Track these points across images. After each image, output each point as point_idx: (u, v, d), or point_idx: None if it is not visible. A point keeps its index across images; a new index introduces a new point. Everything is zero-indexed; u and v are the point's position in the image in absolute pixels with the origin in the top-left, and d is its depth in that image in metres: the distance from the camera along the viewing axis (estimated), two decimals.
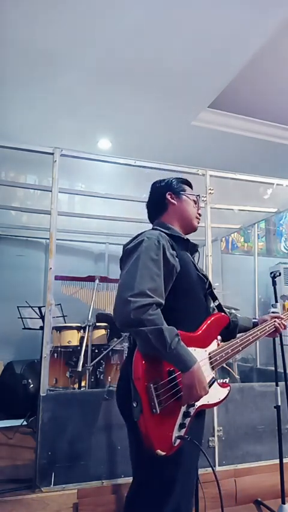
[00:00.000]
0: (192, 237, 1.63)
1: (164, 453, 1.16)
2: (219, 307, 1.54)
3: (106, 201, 3.98)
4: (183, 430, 1.23)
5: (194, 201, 1.60)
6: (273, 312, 1.86)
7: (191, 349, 1.26)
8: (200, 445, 1.43)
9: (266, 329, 1.61)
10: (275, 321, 1.64)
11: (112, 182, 3.69)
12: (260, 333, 1.58)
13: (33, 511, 2.01)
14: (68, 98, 3.65)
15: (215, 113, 4.02)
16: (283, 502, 2.18)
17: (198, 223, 1.62)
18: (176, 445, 1.20)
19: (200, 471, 1.51)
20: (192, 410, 1.26)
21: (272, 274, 2.34)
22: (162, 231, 1.42)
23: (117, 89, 3.53)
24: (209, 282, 1.53)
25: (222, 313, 1.50)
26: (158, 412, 1.16)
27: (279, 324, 1.64)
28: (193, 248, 1.56)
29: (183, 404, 1.22)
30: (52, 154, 2.57)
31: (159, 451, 1.15)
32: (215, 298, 1.55)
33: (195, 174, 2.84)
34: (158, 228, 1.48)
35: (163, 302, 1.25)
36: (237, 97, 3.86)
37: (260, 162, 4.66)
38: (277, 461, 2.26)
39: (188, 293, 1.39)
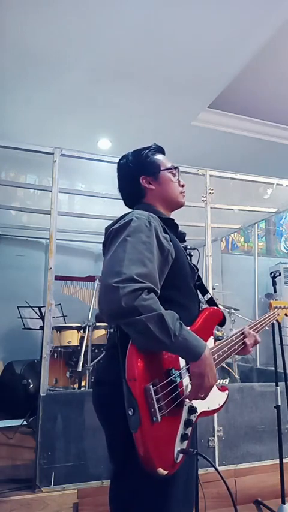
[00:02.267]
0: (192, 237, 1.61)
1: (166, 472, 0.95)
2: (211, 301, 1.40)
3: (106, 201, 3.97)
4: (186, 443, 1.02)
5: (172, 174, 1.37)
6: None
7: None
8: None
9: (265, 321, 1.52)
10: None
11: (112, 182, 3.68)
12: (260, 325, 1.47)
13: (33, 511, 2.01)
14: (68, 98, 3.65)
15: (215, 113, 4.02)
16: (283, 502, 2.18)
17: (184, 196, 1.39)
18: (178, 461, 1.00)
19: (200, 471, 1.50)
20: (193, 418, 1.08)
21: (272, 274, 2.34)
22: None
23: (117, 89, 3.53)
24: (198, 274, 1.37)
25: (216, 307, 1.33)
26: (159, 420, 0.95)
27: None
28: (181, 236, 1.37)
29: (191, 399, 1.04)
30: (52, 154, 2.57)
31: (160, 470, 0.94)
32: (205, 291, 1.40)
33: (195, 174, 2.84)
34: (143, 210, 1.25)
35: (157, 290, 1.05)
36: (237, 97, 3.86)
37: (260, 162, 4.66)
38: (277, 461, 2.26)
39: (181, 283, 1.23)
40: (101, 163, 2.87)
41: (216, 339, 1.35)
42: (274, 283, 2.36)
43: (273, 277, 2.34)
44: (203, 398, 1.05)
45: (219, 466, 2.46)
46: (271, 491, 2.37)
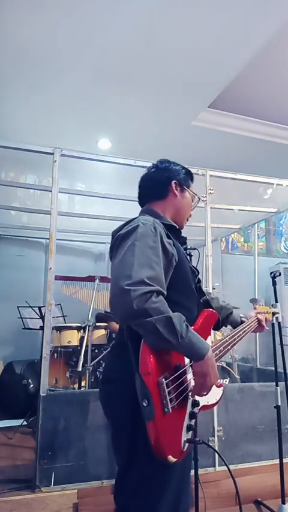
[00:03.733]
0: (192, 237, 1.63)
1: (175, 459, 1.03)
2: (206, 303, 1.48)
3: (106, 201, 3.97)
4: (191, 433, 1.13)
5: (192, 199, 1.52)
6: (272, 313, 1.86)
7: None
8: (192, 450, 1.41)
9: (251, 325, 1.60)
10: (257, 317, 1.63)
11: (112, 182, 3.69)
12: (248, 328, 1.55)
13: (33, 511, 2.01)
14: (68, 98, 3.65)
15: (215, 113, 4.02)
16: (283, 502, 2.18)
17: (186, 224, 1.52)
18: (185, 449, 1.10)
19: (200, 471, 1.51)
20: (196, 411, 1.18)
21: (272, 274, 2.34)
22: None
23: (117, 89, 3.53)
24: (199, 277, 1.46)
25: (212, 310, 1.41)
26: (170, 411, 1.04)
27: (262, 318, 1.64)
28: (183, 241, 1.46)
29: (194, 395, 1.13)
30: (52, 154, 2.58)
31: (170, 457, 1.03)
32: (203, 294, 1.47)
33: (195, 174, 2.83)
34: (148, 215, 1.33)
35: (165, 292, 1.13)
36: (237, 97, 3.86)
37: (260, 162, 4.66)
38: (277, 461, 2.26)
39: (184, 285, 1.30)
40: (101, 163, 2.87)
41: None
42: (274, 283, 2.36)
43: (273, 277, 2.34)
44: (205, 395, 1.14)
45: (219, 466, 2.46)
46: (271, 491, 2.36)
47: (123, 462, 1.19)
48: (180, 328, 1.06)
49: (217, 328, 1.49)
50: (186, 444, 1.10)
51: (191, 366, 1.16)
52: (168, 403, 1.04)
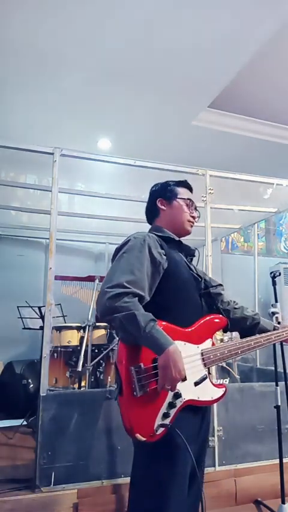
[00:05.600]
0: (192, 237, 1.63)
1: (144, 439, 1.17)
2: (217, 310, 1.53)
3: (106, 201, 3.97)
4: (168, 420, 1.23)
5: (186, 205, 1.60)
6: (272, 312, 1.86)
7: (181, 343, 1.29)
8: (202, 444, 1.43)
9: (280, 335, 1.59)
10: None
11: (112, 182, 3.69)
12: (275, 337, 1.56)
13: (33, 511, 2.01)
14: (68, 98, 3.65)
15: (215, 113, 4.02)
16: (283, 502, 2.18)
17: (192, 226, 1.62)
18: (158, 433, 1.20)
19: None
20: (178, 403, 1.25)
21: (272, 274, 2.34)
22: (154, 233, 1.48)
23: (117, 89, 3.53)
24: (206, 283, 1.54)
25: (220, 315, 1.49)
26: (138, 395, 1.18)
27: None
28: (189, 251, 1.58)
29: (160, 388, 1.20)
30: (52, 154, 2.57)
31: (138, 436, 1.17)
32: (214, 300, 1.54)
33: (195, 174, 2.84)
34: (152, 231, 1.54)
35: (143, 294, 1.28)
36: (237, 97, 3.86)
37: (260, 162, 4.66)
38: (277, 461, 2.26)
39: (178, 292, 1.41)
40: (101, 163, 2.87)
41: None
42: (274, 283, 2.36)
43: (273, 277, 2.34)
44: (171, 390, 1.21)
45: (219, 466, 2.46)
46: (271, 491, 2.36)
47: (136, 451, 1.35)
48: (145, 324, 1.19)
49: (249, 333, 1.56)
50: (161, 429, 1.21)
51: None
52: (137, 388, 1.18)
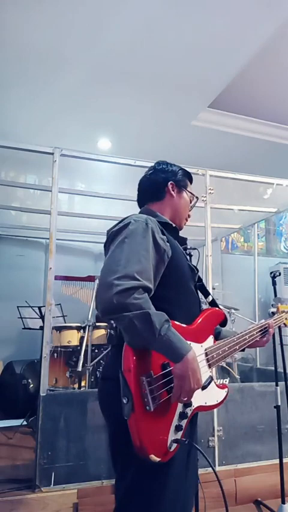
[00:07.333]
0: (192, 237, 1.61)
1: (158, 459, 1.00)
2: (213, 303, 1.43)
3: (106, 201, 3.98)
4: (180, 433, 1.08)
5: (190, 200, 1.50)
6: (272, 312, 1.86)
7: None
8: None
9: (262, 326, 1.50)
10: (268, 322, 1.53)
11: (112, 182, 3.69)
12: (256, 333, 1.45)
13: (33, 511, 2.01)
14: (68, 98, 3.64)
15: (215, 113, 4.02)
16: (283, 502, 2.18)
17: (185, 224, 1.50)
18: (172, 450, 1.05)
19: (200, 471, 1.50)
20: (189, 412, 1.12)
21: (272, 274, 2.35)
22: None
23: (117, 89, 3.53)
24: (199, 275, 1.41)
25: (217, 308, 1.37)
26: (152, 409, 1.00)
27: (272, 324, 1.52)
28: (182, 241, 1.42)
29: (174, 400, 1.06)
30: (52, 154, 2.57)
31: (153, 457, 0.99)
32: (207, 293, 1.44)
33: (195, 174, 2.83)
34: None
35: (151, 287, 1.10)
36: (237, 97, 3.86)
37: (260, 162, 4.66)
38: (277, 461, 2.26)
39: (179, 283, 1.26)
40: (101, 163, 2.87)
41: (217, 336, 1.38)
42: (274, 283, 2.37)
43: (273, 277, 2.34)
44: (186, 402, 1.07)
45: (219, 466, 2.46)
46: (271, 491, 2.37)
47: (119, 464, 1.16)
48: (160, 325, 1.02)
49: (224, 326, 1.43)
50: (174, 445, 1.06)
51: None
52: (150, 401, 1.00)
